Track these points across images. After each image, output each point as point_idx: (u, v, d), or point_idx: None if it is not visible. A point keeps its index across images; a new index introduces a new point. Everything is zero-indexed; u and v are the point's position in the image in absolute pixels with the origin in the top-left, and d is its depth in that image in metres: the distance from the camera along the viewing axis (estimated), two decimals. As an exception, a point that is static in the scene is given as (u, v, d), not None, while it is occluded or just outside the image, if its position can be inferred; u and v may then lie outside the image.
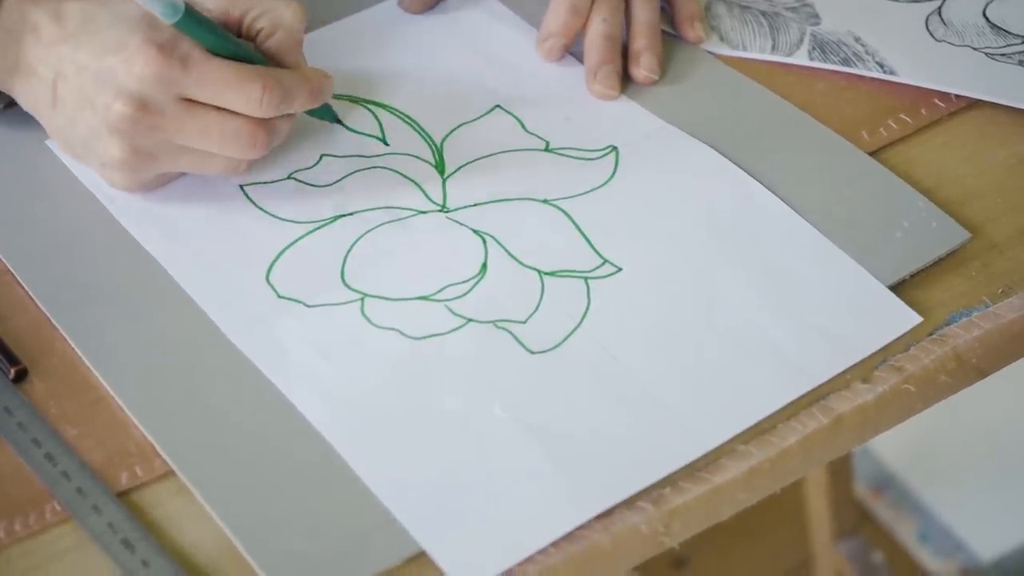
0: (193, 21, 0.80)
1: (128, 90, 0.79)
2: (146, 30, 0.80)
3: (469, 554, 0.71)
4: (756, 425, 0.75)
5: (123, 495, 0.73)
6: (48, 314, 0.80)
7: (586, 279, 0.82)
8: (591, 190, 0.87)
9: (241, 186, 0.87)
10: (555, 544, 0.71)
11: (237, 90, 0.80)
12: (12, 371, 0.78)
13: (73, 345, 0.79)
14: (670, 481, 0.73)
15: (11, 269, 0.83)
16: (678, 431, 0.75)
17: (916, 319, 0.79)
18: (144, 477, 0.74)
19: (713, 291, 0.81)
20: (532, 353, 0.78)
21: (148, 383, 0.77)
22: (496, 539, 0.71)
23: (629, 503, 0.72)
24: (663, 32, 0.96)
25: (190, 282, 0.81)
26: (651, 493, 0.73)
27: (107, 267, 0.82)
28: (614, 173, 0.88)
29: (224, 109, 0.81)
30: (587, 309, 0.80)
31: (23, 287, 0.82)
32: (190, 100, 0.80)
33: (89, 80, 0.80)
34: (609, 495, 0.72)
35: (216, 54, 0.81)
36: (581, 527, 0.72)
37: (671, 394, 0.76)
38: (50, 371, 0.78)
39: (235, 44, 0.82)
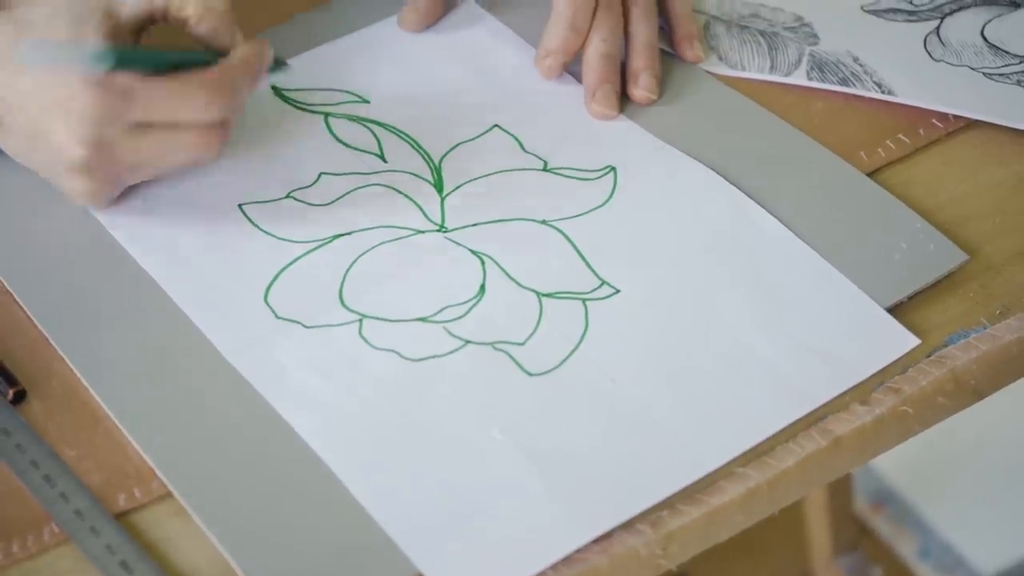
0: (126, 61, 0.79)
1: (79, 132, 0.79)
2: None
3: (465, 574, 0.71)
4: (754, 447, 0.75)
5: (121, 517, 0.73)
6: (47, 335, 0.80)
7: (584, 301, 0.82)
8: (589, 211, 0.87)
9: (240, 205, 0.87)
10: (553, 567, 0.71)
11: (183, 105, 0.80)
12: (10, 392, 0.78)
13: (72, 366, 0.79)
14: (668, 504, 0.73)
15: (10, 290, 0.83)
16: (676, 454, 0.75)
17: (914, 341, 0.79)
18: (142, 499, 0.74)
19: (711, 313, 0.81)
20: (530, 375, 0.78)
21: (146, 405, 0.77)
22: (492, 562, 0.71)
23: (627, 526, 0.72)
24: (662, 52, 0.96)
25: (188, 302, 0.81)
26: (649, 516, 0.73)
27: (106, 288, 0.82)
28: (612, 193, 0.88)
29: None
30: (585, 331, 0.80)
31: (22, 308, 0.82)
32: (141, 123, 0.80)
33: (36, 114, 0.80)
34: (606, 519, 0.72)
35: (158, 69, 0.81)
36: (579, 550, 0.71)
37: (669, 417, 0.76)
38: (49, 392, 0.78)
39: (169, 57, 0.81)
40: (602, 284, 0.82)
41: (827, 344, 0.79)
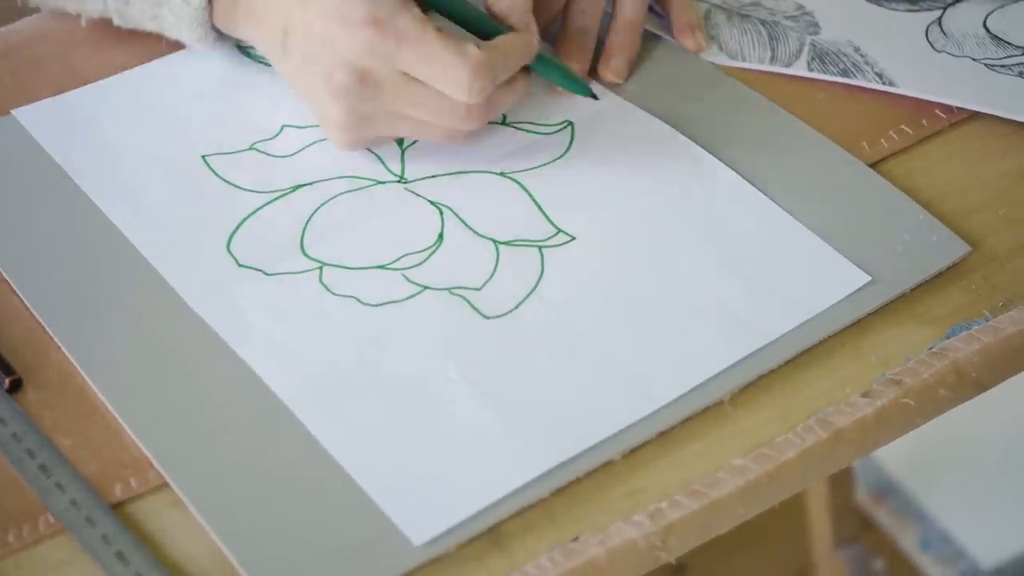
0: None
1: (348, 60, 0.82)
2: (369, 1, 0.81)
3: (422, 509, 0.72)
4: (754, 440, 0.75)
5: (117, 507, 0.73)
6: (44, 323, 0.80)
7: (540, 248, 0.83)
8: (546, 163, 0.88)
9: (203, 156, 0.88)
10: (551, 558, 0.71)
11: (444, 74, 0.82)
12: (7, 381, 0.77)
13: (68, 355, 0.78)
14: (667, 495, 0.73)
15: (6, 277, 0.82)
16: (629, 389, 0.76)
17: (864, 278, 0.81)
18: (139, 489, 0.73)
19: (665, 256, 0.83)
20: (486, 318, 0.80)
21: (143, 394, 0.76)
22: (449, 495, 0.72)
23: (626, 518, 0.72)
24: (661, 39, 0.96)
25: (152, 251, 0.83)
26: (648, 508, 0.72)
27: (104, 276, 0.82)
28: (569, 147, 0.89)
29: None
30: (541, 276, 0.82)
31: (19, 296, 0.81)
32: (409, 74, 0.82)
33: (315, 43, 0.83)
34: (561, 451, 0.74)
35: (451, 15, 0.84)
36: (577, 541, 0.71)
37: (623, 355, 0.78)
38: (45, 381, 0.78)
39: (466, 8, 0.84)
40: (558, 232, 0.84)
41: (779, 282, 0.81)
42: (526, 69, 0.87)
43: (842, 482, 1.61)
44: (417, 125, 0.85)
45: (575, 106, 0.91)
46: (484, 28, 0.86)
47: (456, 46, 0.82)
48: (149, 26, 0.91)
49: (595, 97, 0.90)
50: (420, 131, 0.86)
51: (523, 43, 0.86)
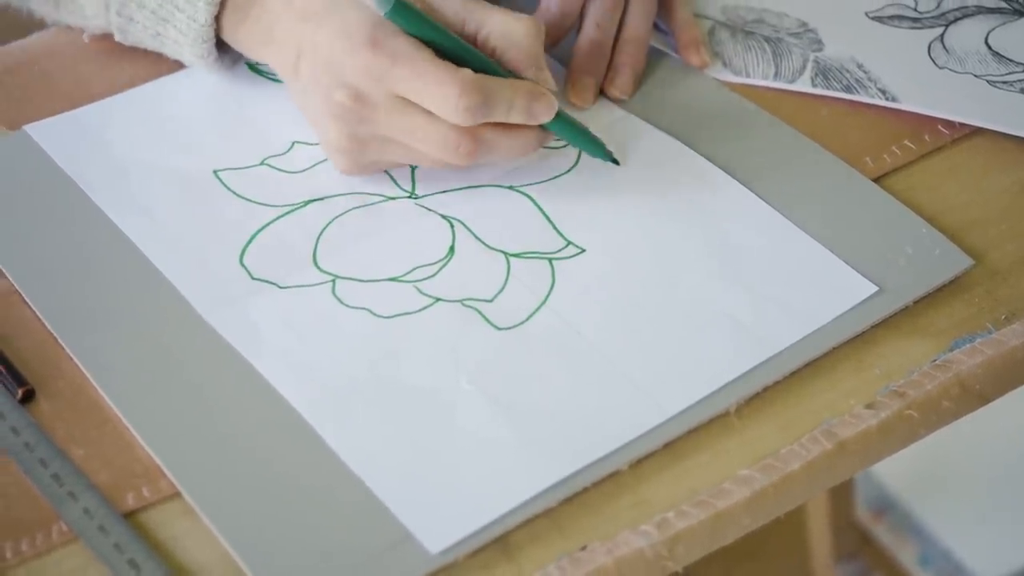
0: (405, 15, 0.82)
1: (347, 81, 0.83)
2: (371, 23, 0.82)
3: (436, 518, 0.72)
4: (759, 451, 0.76)
5: (130, 516, 0.74)
6: (55, 334, 0.81)
7: (551, 260, 0.84)
8: (556, 176, 0.89)
9: (215, 171, 0.89)
10: (559, 567, 0.71)
11: (432, 90, 0.81)
12: (20, 392, 0.78)
13: (80, 365, 0.79)
14: (673, 505, 0.73)
15: (18, 288, 0.83)
16: (639, 400, 0.77)
17: (871, 288, 0.81)
18: (151, 498, 0.74)
19: (673, 268, 0.83)
20: (498, 329, 0.81)
21: (155, 404, 0.77)
22: (462, 504, 0.73)
23: (633, 528, 0.73)
24: (667, 56, 0.96)
25: (167, 265, 0.84)
26: (655, 517, 0.73)
27: (115, 287, 0.83)
28: (578, 160, 0.90)
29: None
30: (551, 288, 0.83)
31: (31, 307, 0.82)
32: (403, 98, 0.82)
33: (320, 64, 0.84)
34: (572, 462, 0.74)
35: (443, 54, 0.83)
36: (585, 550, 0.72)
37: (633, 365, 0.79)
38: (57, 392, 0.78)
39: (460, 45, 0.83)
40: (568, 244, 0.85)
41: (785, 293, 0.82)
42: (542, 127, 0.86)
43: (842, 498, 1.62)
44: (409, 152, 0.85)
45: (583, 120, 0.91)
46: (492, 73, 0.84)
47: (449, 67, 0.82)
48: (150, 44, 0.92)
49: (616, 162, 0.89)
50: (412, 158, 0.86)
51: (535, 88, 0.84)
